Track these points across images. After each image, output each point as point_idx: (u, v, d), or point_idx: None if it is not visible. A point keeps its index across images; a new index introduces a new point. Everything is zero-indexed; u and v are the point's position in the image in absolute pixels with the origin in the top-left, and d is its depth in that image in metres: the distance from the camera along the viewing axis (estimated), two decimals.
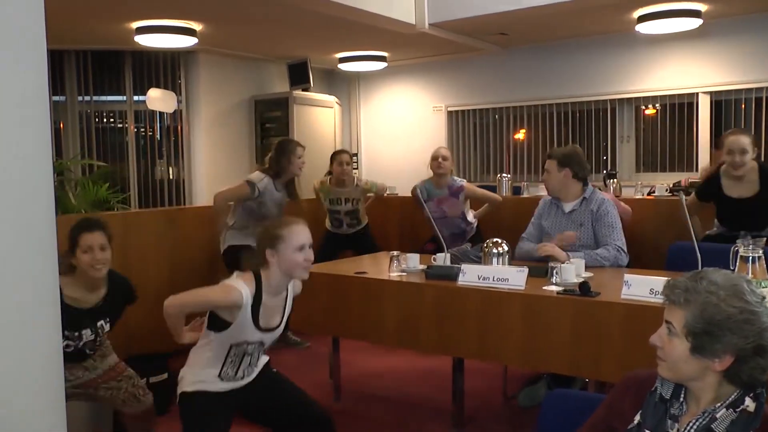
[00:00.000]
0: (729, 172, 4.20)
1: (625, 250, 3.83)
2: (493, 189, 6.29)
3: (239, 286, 2.64)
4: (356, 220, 5.69)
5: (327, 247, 5.59)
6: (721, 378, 1.55)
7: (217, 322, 2.67)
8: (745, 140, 4.10)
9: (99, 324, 3.15)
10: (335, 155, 5.75)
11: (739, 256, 2.80)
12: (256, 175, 4.77)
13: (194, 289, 2.70)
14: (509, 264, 3.64)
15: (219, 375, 2.73)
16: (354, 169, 5.75)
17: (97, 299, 3.14)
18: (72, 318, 2.96)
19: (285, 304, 2.84)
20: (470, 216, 5.43)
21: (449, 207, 5.26)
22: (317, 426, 2.86)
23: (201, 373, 2.74)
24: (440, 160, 5.27)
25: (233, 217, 4.82)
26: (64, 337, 2.97)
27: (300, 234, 2.70)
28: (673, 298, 1.59)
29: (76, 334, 3.08)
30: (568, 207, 3.98)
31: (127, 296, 3.31)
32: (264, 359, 2.94)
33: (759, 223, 4.09)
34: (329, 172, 5.73)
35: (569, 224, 3.93)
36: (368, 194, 5.78)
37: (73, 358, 3.11)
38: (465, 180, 5.52)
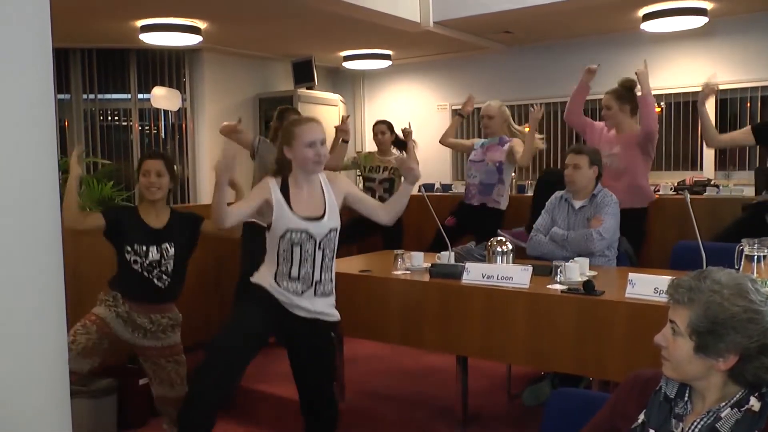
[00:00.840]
0: None
1: (606, 237, 3.83)
2: None
3: (266, 180, 2.92)
4: (389, 192, 5.59)
5: (357, 225, 5.51)
6: (725, 378, 1.55)
7: (268, 224, 2.90)
8: None
9: (164, 246, 3.38)
10: (375, 125, 5.84)
11: (744, 256, 2.79)
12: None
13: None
14: (513, 262, 3.65)
15: (275, 276, 2.89)
16: (394, 143, 5.75)
17: (162, 224, 3.43)
18: (141, 234, 3.34)
19: (324, 196, 2.96)
20: (507, 177, 5.25)
21: (491, 153, 5.18)
22: (319, 417, 3.05)
23: (263, 271, 2.94)
24: (486, 119, 5.26)
25: None
26: (133, 252, 3.32)
27: (311, 130, 2.86)
28: (677, 297, 1.58)
29: (144, 248, 3.34)
30: (578, 204, 4.00)
31: (192, 222, 3.53)
32: (331, 299, 3.04)
33: None
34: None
35: (579, 220, 3.95)
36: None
37: (146, 292, 3.36)
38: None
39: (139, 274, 3.33)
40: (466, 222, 4.91)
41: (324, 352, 3.04)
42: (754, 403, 1.52)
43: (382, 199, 5.52)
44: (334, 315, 3.05)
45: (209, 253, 5.25)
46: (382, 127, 5.74)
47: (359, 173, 5.72)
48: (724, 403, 1.55)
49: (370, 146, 8.71)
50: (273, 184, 2.89)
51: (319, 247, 2.91)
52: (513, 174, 6.31)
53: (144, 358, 3.47)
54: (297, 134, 2.85)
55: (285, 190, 2.89)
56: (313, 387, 3.05)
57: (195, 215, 3.58)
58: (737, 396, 1.54)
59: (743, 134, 4.32)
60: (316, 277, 2.93)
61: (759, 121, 6.23)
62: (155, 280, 3.36)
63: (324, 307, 2.98)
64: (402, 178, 3.08)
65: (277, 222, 2.86)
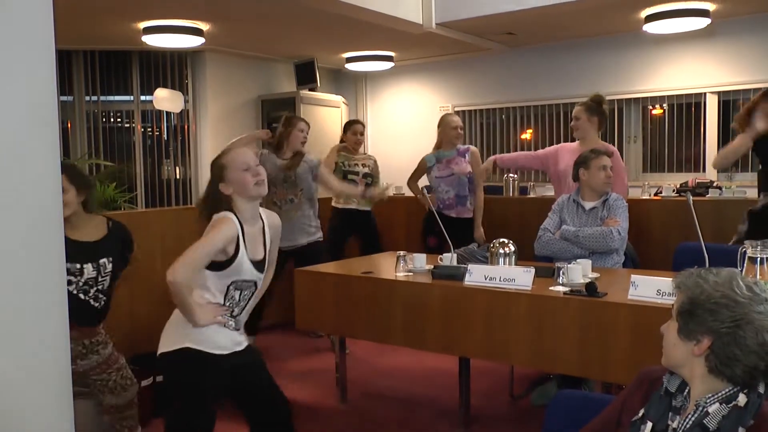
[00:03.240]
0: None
1: (623, 235, 3.89)
2: (499, 189, 6.29)
3: (228, 214, 2.64)
4: (372, 186, 5.64)
5: (337, 229, 5.68)
6: (704, 368, 1.57)
7: (214, 264, 2.63)
8: None
9: (101, 261, 3.20)
10: (350, 125, 5.91)
11: (746, 257, 2.78)
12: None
13: (190, 248, 2.58)
14: (516, 264, 3.65)
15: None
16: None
17: (97, 236, 3.22)
18: (73, 251, 2.91)
19: (264, 235, 2.79)
20: (479, 186, 5.35)
21: (457, 165, 5.25)
22: (275, 413, 2.82)
23: (192, 329, 2.63)
24: (459, 130, 5.31)
25: None
26: (67, 272, 2.99)
27: (240, 155, 2.72)
28: (677, 284, 1.64)
29: (78, 267, 3.12)
30: (588, 205, 4.01)
31: (126, 242, 3.36)
32: (249, 338, 2.92)
33: None
34: (341, 141, 5.90)
35: (590, 220, 3.96)
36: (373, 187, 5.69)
37: (81, 315, 3.07)
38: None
39: (74, 296, 3.09)
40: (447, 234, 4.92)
41: (258, 360, 2.88)
42: (741, 399, 1.54)
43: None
44: (248, 339, 2.91)
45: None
46: (361, 128, 5.88)
47: (342, 166, 5.71)
48: (711, 395, 1.56)
49: (372, 149, 8.73)
50: (235, 221, 2.65)
51: (255, 289, 2.80)
52: (515, 176, 6.33)
53: (87, 382, 3.30)
54: (227, 164, 2.68)
55: (242, 231, 2.67)
56: (270, 401, 2.84)
57: (128, 236, 3.38)
58: (725, 391, 1.56)
59: (741, 140, 4.21)
60: (245, 313, 2.82)
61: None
62: (91, 301, 3.19)
63: (245, 336, 2.87)
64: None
65: (237, 267, 2.64)
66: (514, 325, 3.20)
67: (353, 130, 5.81)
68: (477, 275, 3.38)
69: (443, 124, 5.34)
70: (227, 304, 2.69)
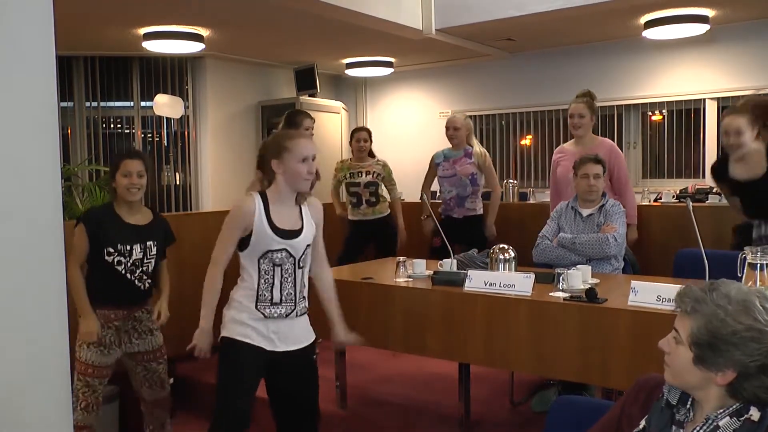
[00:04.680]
0: (729, 154, 4.04)
1: (620, 242, 3.89)
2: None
3: (245, 197, 2.78)
4: (375, 197, 5.63)
5: (351, 237, 5.67)
6: (724, 391, 1.54)
7: (240, 243, 2.76)
8: (742, 121, 3.89)
9: (148, 244, 3.37)
10: (353, 133, 5.86)
11: (746, 264, 2.77)
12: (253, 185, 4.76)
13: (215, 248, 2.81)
14: (516, 270, 3.65)
15: (256, 304, 2.75)
16: (371, 154, 5.77)
17: (145, 221, 3.41)
18: (123, 232, 3.30)
19: (302, 215, 2.85)
20: (481, 185, 5.39)
21: (460, 166, 5.30)
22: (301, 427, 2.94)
23: (241, 307, 2.77)
24: (451, 131, 5.37)
25: None
26: (116, 252, 3.27)
27: (305, 146, 2.76)
28: (682, 307, 1.58)
29: (128, 248, 3.31)
30: (586, 211, 4.02)
31: (168, 232, 3.55)
32: (309, 335, 2.93)
33: None
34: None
35: (588, 227, 3.97)
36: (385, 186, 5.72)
37: (128, 294, 3.35)
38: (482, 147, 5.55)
39: (122, 276, 3.30)
40: (452, 235, 4.92)
41: (311, 378, 2.96)
42: (754, 413, 1.51)
43: (369, 203, 5.55)
44: (313, 335, 2.97)
45: (204, 263, 5.26)
46: (365, 135, 5.76)
47: (344, 179, 5.69)
48: (722, 411, 1.54)
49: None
50: (256, 200, 2.76)
51: (299, 266, 2.83)
52: (514, 181, 6.34)
53: (135, 365, 3.45)
54: (290, 148, 2.73)
55: (266, 206, 2.76)
56: (303, 413, 2.94)
57: (170, 229, 3.58)
58: (736, 405, 1.54)
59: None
60: (298, 296, 2.85)
61: None
62: (137, 281, 3.35)
63: (304, 327, 2.93)
64: None
65: (256, 241, 2.73)
66: (514, 331, 3.20)
67: (356, 137, 5.76)
68: (477, 281, 3.38)
69: (464, 125, 5.39)
70: (261, 285, 2.75)
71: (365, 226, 5.67)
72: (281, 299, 2.79)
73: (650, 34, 6.02)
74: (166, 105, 6.78)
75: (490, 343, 3.29)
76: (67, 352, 1.99)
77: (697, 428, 1.55)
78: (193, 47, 6.27)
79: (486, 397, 4.20)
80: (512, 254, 3.69)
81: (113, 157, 3.41)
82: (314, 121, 4.91)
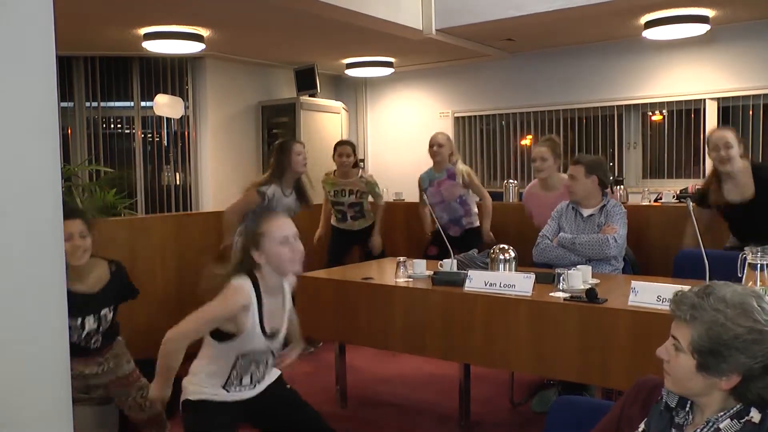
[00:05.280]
0: (720, 169, 4.06)
1: (620, 243, 3.88)
2: (499, 195, 6.28)
3: (242, 283, 2.53)
4: (360, 213, 5.62)
5: (334, 243, 5.66)
6: (727, 395, 1.54)
7: (220, 333, 2.55)
8: (729, 134, 3.99)
9: (102, 312, 3.15)
10: (335, 146, 5.71)
11: (747, 264, 2.77)
12: (263, 182, 4.74)
13: (193, 313, 2.51)
14: (516, 270, 3.65)
15: (224, 386, 2.62)
16: (355, 165, 5.67)
17: (98, 287, 3.13)
18: (77, 303, 2.89)
19: (284, 304, 2.71)
20: (473, 207, 5.36)
21: (446, 189, 5.24)
22: None
23: (205, 383, 2.62)
24: (435, 148, 5.26)
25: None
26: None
27: (281, 227, 2.56)
28: (679, 314, 1.56)
29: (79, 321, 3.07)
30: (587, 212, 4.02)
31: (126, 288, 3.30)
32: (275, 373, 2.83)
33: (764, 229, 4.01)
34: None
35: (588, 227, 3.96)
36: (371, 197, 5.68)
37: (83, 353, 3.13)
38: (464, 165, 5.47)
39: (75, 345, 3.05)
40: (451, 246, 4.93)
41: (292, 398, 2.84)
42: (755, 415, 1.51)
43: (354, 218, 5.55)
44: (276, 372, 2.84)
45: (204, 263, 5.26)
46: (347, 149, 5.61)
47: (329, 195, 5.65)
48: (722, 413, 1.53)
49: (372, 155, 8.75)
50: (251, 293, 2.53)
51: (273, 356, 2.72)
52: (514, 182, 6.34)
53: (113, 393, 3.34)
54: (266, 233, 2.53)
55: (259, 304, 2.55)
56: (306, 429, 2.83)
57: (128, 284, 3.32)
58: (736, 407, 1.53)
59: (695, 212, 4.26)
60: (263, 373, 2.73)
61: (753, 133, 6.24)
62: (92, 345, 3.17)
63: (270, 380, 2.80)
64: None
65: (242, 342, 2.54)
66: (514, 331, 3.20)
67: (338, 152, 5.60)
68: (477, 281, 3.38)
69: (448, 143, 5.32)
70: (233, 374, 2.60)
71: (350, 235, 5.68)
72: (251, 381, 2.68)
73: (650, 34, 6.02)
74: (166, 105, 6.78)
75: (490, 344, 3.29)
76: (67, 352, 1.99)
77: (698, 431, 1.54)
78: (193, 47, 6.27)
79: (486, 397, 4.21)
80: (512, 254, 3.69)
81: None
82: (304, 146, 4.85)
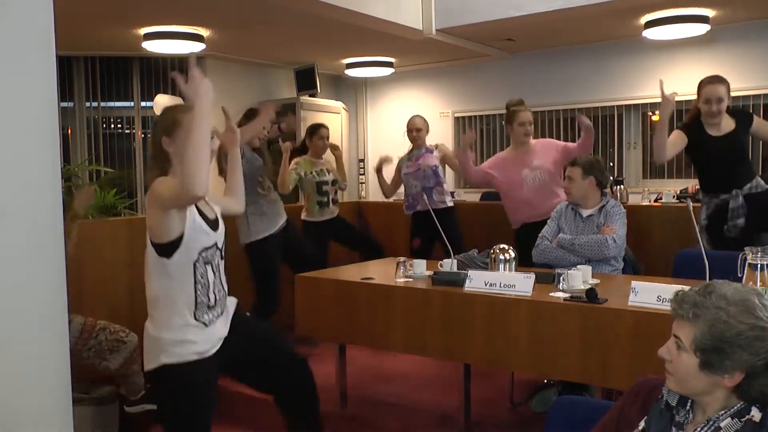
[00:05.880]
0: (707, 122, 4.17)
1: (619, 243, 3.87)
2: (498, 195, 6.27)
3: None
4: (336, 193, 5.63)
5: (315, 240, 5.41)
6: (729, 393, 1.54)
7: (166, 247, 2.36)
8: (722, 89, 4.07)
9: None
10: (316, 128, 5.54)
11: (747, 264, 2.77)
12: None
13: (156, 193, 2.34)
14: (516, 270, 3.65)
15: (195, 316, 2.41)
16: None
17: None
18: None
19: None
20: (444, 179, 5.46)
21: (423, 160, 5.41)
22: (293, 373, 2.76)
23: (177, 324, 2.40)
24: (414, 132, 5.49)
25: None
26: None
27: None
28: (681, 313, 1.56)
29: None
30: (586, 212, 4.02)
31: None
32: (233, 301, 2.66)
33: (741, 173, 4.08)
34: (299, 149, 5.59)
35: (587, 228, 3.96)
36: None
37: None
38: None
39: None
40: (426, 231, 4.87)
41: (250, 325, 2.73)
42: (755, 414, 1.51)
43: (334, 201, 5.53)
44: (233, 301, 2.67)
45: None
46: (326, 132, 5.56)
47: (311, 176, 5.44)
48: (723, 412, 1.53)
49: (372, 155, 8.74)
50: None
51: (222, 257, 2.53)
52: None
53: (86, 360, 3.41)
54: (184, 123, 2.37)
55: None
56: (289, 368, 2.74)
57: None
58: (737, 406, 1.53)
59: (675, 136, 4.28)
60: (225, 290, 2.56)
61: None
62: None
63: (230, 309, 2.63)
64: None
65: (191, 238, 2.36)
66: (514, 331, 3.19)
67: (319, 134, 5.49)
68: (477, 281, 3.38)
69: (425, 126, 5.54)
70: (198, 290, 2.41)
71: (329, 227, 5.54)
72: (216, 300, 2.49)
73: (650, 34, 6.02)
74: (166, 105, 6.77)
75: (490, 344, 3.29)
76: (67, 351, 1.99)
77: (698, 430, 1.54)
78: (193, 47, 6.27)
79: (486, 397, 4.20)
80: (512, 254, 3.69)
81: None
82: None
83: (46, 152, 1.89)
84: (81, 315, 3.44)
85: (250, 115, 4.78)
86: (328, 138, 5.56)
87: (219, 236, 2.51)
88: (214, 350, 2.47)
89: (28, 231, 1.84)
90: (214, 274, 2.47)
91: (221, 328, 2.53)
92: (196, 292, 2.41)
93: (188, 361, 2.40)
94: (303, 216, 5.55)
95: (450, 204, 5.47)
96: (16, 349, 1.82)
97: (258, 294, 4.72)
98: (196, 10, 5.47)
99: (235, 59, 7.41)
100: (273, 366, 2.76)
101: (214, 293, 2.47)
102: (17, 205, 1.81)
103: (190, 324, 2.41)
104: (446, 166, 5.55)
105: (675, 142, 4.21)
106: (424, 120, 5.55)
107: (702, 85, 4.22)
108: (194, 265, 2.39)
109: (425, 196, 4.91)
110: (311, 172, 5.44)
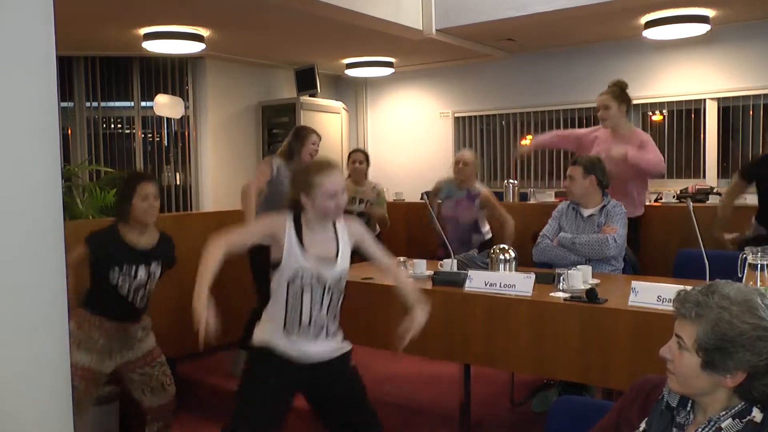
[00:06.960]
0: None
1: (620, 243, 3.86)
2: (500, 195, 6.28)
3: (280, 213, 2.75)
4: (368, 224, 5.54)
5: None
6: (731, 393, 1.53)
7: (275, 262, 2.72)
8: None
9: (152, 266, 3.34)
10: (350, 154, 5.66)
11: (747, 264, 2.77)
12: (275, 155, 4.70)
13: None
14: (516, 270, 3.65)
15: (284, 326, 2.71)
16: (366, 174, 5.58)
17: (152, 244, 3.36)
18: (130, 255, 3.25)
19: (337, 238, 2.80)
20: (485, 228, 5.18)
21: (463, 212, 5.06)
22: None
23: (267, 325, 2.75)
24: (461, 165, 5.10)
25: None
26: (121, 274, 3.23)
27: (333, 182, 2.69)
28: (683, 312, 1.55)
29: (134, 269, 3.27)
30: (587, 212, 4.02)
31: (171, 255, 3.50)
32: (343, 345, 2.87)
33: None
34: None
35: (588, 227, 3.96)
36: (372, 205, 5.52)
37: (125, 311, 3.29)
38: (487, 188, 5.25)
39: (123, 297, 3.26)
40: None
41: (353, 382, 2.90)
42: (756, 414, 1.51)
43: None
44: (347, 346, 2.90)
45: None
46: (360, 156, 5.53)
47: None
48: (724, 413, 1.53)
49: (373, 155, 8.72)
50: (288, 219, 2.72)
51: (328, 291, 2.77)
52: (515, 182, 6.32)
53: (130, 374, 3.38)
54: (318, 184, 2.67)
55: (298, 228, 2.72)
56: (355, 421, 2.90)
57: (173, 249, 3.52)
58: (739, 406, 1.53)
59: (735, 184, 4.39)
60: (327, 321, 2.79)
61: (754, 134, 6.25)
62: (137, 302, 3.32)
63: (336, 344, 2.85)
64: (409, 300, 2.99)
65: (287, 262, 2.68)
66: (514, 331, 3.19)
67: (351, 159, 5.55)
68: (477, 281, 3.38)
69: (473, 162, 5.14)
70: (289, 306, 2.70)
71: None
72: (309, 322, 2.73)
73: (650, 34, 6.02)
74: (166, 105, 6.78)
75: (490, 344, 3.29)
76: (68, 352, 1.99)
77: (699, 430, 1.54)
78: (193, 47, 6.27)
79: (486, 397, 4.21)
80: (512, 254, 3.69)
81: (126, 181, 3.39)
82: (320, 138, 4.84)
83: (47, 152, 1.89)
84: (154, 338, 3.45)
85: (298, 134, 4.76)
86: (360, 162, 5.48)
87: (326, 271, 2.75)
88: (295, 361, 2.71)
89: (28, 231, 1.84)
90: (311, 300, 2.73)
91: (311, 348, 2.75)
92: (286, 306, 2.71)
93: (265, 347, 2.71)
94: None
95: (488, 237, 5.15)
96: (16, 348, 1.82)
97: (258, 294, 4.72)
98: (196, 10, 5.47)
99: (235, 59, 7.41)
100: (351, 416, 2.89)
101: (309, 315, 2.74)
102: (17, 205, 1.81)
103: (278, 329, 2.73)
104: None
105: (735, 188, 4.42)
106: (474, 156, 5.20)
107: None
108: (287, 284, 2.70)
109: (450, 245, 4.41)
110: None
